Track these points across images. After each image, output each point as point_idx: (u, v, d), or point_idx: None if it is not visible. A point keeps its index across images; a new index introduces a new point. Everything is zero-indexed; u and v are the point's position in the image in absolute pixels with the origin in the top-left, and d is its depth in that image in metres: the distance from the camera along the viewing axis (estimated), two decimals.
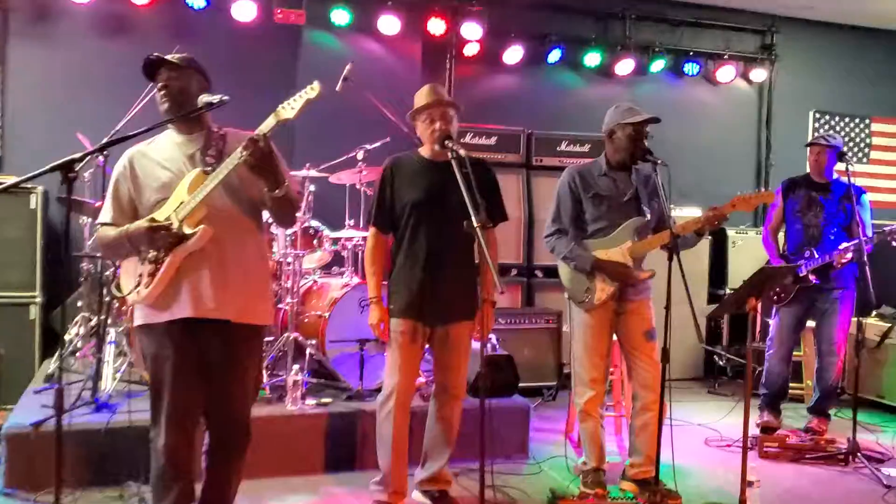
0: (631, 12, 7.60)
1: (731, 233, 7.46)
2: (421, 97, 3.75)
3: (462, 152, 3.50)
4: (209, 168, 2.99)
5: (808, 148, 5.57)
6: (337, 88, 5.08)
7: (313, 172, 5.17)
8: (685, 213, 7.19)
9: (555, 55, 7.32)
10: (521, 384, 4.98)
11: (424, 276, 3.67)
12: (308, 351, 4.72)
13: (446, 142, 3.58)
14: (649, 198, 4.15)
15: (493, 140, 6.73)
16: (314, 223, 5.09)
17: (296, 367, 4.46)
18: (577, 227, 4.19)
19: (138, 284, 3.03)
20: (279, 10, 6.11)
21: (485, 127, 6.72)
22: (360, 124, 5.65)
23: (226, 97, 2.96)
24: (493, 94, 7.39)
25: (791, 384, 5.85)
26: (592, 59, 7.46)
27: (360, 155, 5.50)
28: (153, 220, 2.96)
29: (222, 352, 3.05)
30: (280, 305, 4.84)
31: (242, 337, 3.08)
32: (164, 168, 3.07)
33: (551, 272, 6.66)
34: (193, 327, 2.99)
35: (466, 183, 3.39)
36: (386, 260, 3.83)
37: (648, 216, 4.09)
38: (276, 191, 2.94)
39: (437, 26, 6.66)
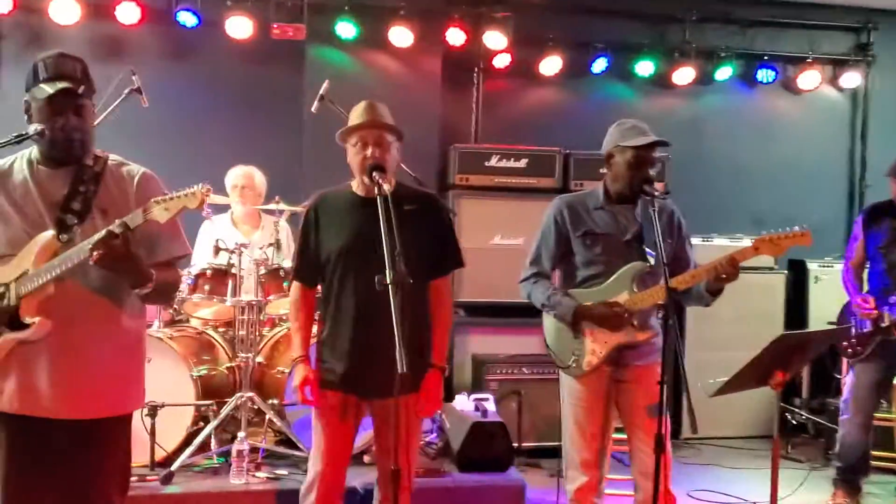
0: (691, 14, 6.63)
1: (812, 266, 6.40)
2: (353, 116, 3.03)
3: (387, 187, 2.78)
4: (65, 235, 2.39)
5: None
6: (312, 109, 4.46)
7: (283, 206, 4.52)
8: None
9: (600, 64, 6.45)
10: (549, 444, 4.12)
11: (355, 337, 2.94)
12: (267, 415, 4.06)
13: (374, 174, 2.85)
14: (663, 237, 3.27)
15: (523, 162, 5.93)
16: (287, 263, 4.43)
17: (241, 434, 3.81)
18: (564, 274, 3.37)
19: None
20: (276, 26, 5.55)
21: (513, 148, 5.92)
22: None
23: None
24: (527, 111, 6.59)
25: (876, 452, 4.80)
26: (645, 67, 6.55)
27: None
28: None
29: (69, 450, 2.45)
30: (235, 362, 4.20)
31: (96, 431, 2.47)
32: (15, 213, 2.46)
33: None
34: (30, 420, 2.42)
35: (388, 226, 2.66)
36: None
37: (652, 261, 3.21)
38: (138, 290, 2.39)
39: (456, 36, 5.94)
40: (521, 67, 6.40)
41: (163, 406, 3.79)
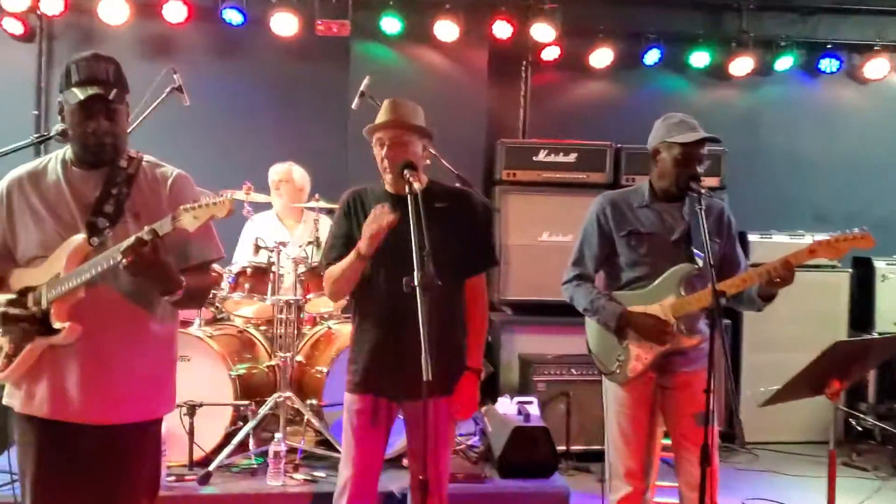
0: (748, 1, 6.35)
1: (879, 264, 6.07)
2: (379, 114, 2.94)
3: (417, 186, 2.68)
4: (96, 239, 2.35)
5: None
6: (353, 106, 4.38)
7: (322, 203, 4.46)
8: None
9: (653, 56, 6.23)
10: (599, 448, 3.94)
11: (384, 338, 2.86)
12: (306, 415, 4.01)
13: (405, 171, 2.76)
14: (711, 237, 3.10)
15: (572, 157, 5.77)
16: None
17: (277, 435, 3.76)
18: (608, 275, 3.23)
19: None
20: (320, 22, 5.49)
21: (562, 142, 5.77)
22: None
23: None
24: (577, 105, 6.42)
25: None
26: (700, 58, 6.30)
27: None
28: (18, 294, 2.41)
29: (97, 454, 2.42)
30: (273, 361, 4.15)
31: (125, 436, 2.44)
32: (48, 215, 2.44)
33: None
34: (60, 425, 2.40)
35: (417, 225, 2.58)
36: None
37: (700, 262, 3.04)
38: (168, 296, 2.33)
39: (503, 29, 5.79)
40: (570, 60, 6.21)
41: (200, 405, 3.76)
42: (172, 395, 2.68)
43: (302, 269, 4.17)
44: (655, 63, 6.28)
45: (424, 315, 2.40)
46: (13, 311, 2.37)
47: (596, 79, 6.38)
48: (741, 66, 6.33)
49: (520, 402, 4.10)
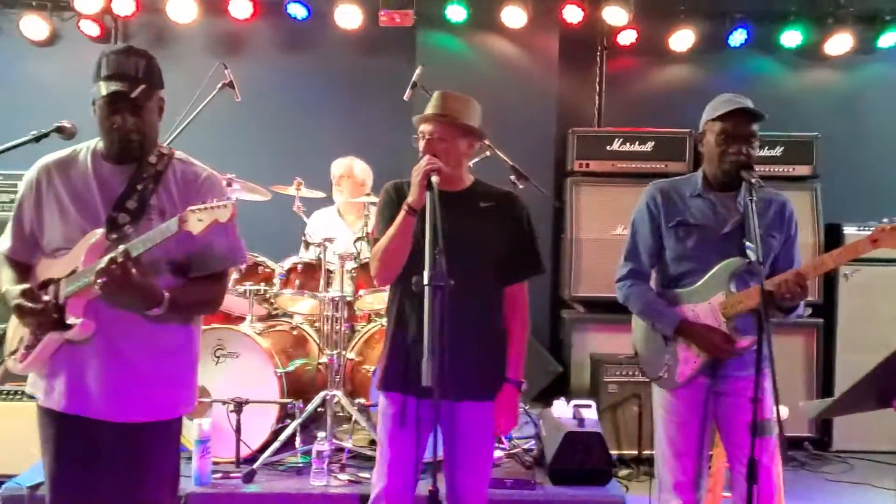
0: None
1: None
2: (427, 107, 2.80)
3: (435, 179, 2.54)
4: (115, 235, 2.32)
5: None
6: (405, 97, 4.27)
7: (374, 198, 4.35)
8: None
9: (739, 36, 5.82)
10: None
11: (414, 336, 2.71)
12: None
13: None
14: (768, 231, 2.82)
15: (648, 146, 5.47)
16: None
17: (321, 434, 3.69)
18: (658, 271, 2.99)
19: (16, 350, 2.48)
20: (383, 12, 5.40)
21: (637, 131, 5.47)
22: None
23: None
24: (656, 91, 6.08)
25: None
26: (792, 37, 5.84)
27: None
28: (41, 285, 2.40)
29: (115, 452, 2.41)
30: (324, 359, 4.08)
31: (142, 434, 2.42)
32: (73, 207, 2.43)
33: None
34: (78, 420, 2.40)
35: (432, 223, 2.43)
36: None
37: (752, 257, 2.75)
38: (149, 312, 2.28)
39: (573, 14, 5.54)
40: (648, 43, 5.89)
41: (246, 402, 3.73)
42: (192, 394, 2.64)
43: (352, 265, 4.08)
44: (742, 44, 5.88)
45: (432, 315, 2.25)
46: (26, 303, 2.35)
47: (676, 63, 6.03)
48: (839, 44, 5.85)
49: (576, 406, 3.88)
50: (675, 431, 2.88)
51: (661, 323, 2.84)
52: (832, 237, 5.55)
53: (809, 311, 5.53)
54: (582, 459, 3.63)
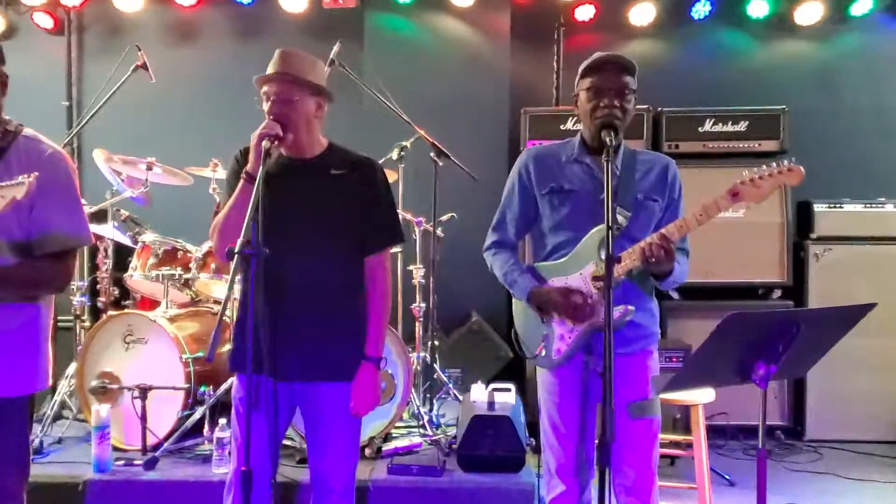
0: None
1: None
2: (269, 66, 2.66)
3: (265, 145, 2.40)
4: None
5: None
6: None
7: None
8: None
9: (702, 8, 5.60)
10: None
11: (262, 313, 2.58)
12: None
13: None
14: (648, 195, 2.64)
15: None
16: None
17: (222, 420, 3.57)
18: (533, 244, 2.81)
19: None
20: None
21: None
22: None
23: None
24: None
25: None
26: (759, 7, 5.59)
27: (395, 154, 4.49)
28: None
29: None
30: None
31: None
32: None
33: (692, 293, 5.14)
34: None
35: (255, 193, 2.30)
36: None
37: (622, 220, 2.57)
38: None
39: None
40: (607, 19, 5.68)
41: (150, 389, 3.64)
42: (39, 373, 2.55)
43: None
44: (706, 16, 5.65)
45: (232, 286, 2.11)
46: None
47: (638, 38, 5.79)
48: (809, 13, 5.59)
49: (494, 389, 3.71)
50: (556, 413, 2.70)
51: (516, 290, 2.68)
52: (803, 215, 5.30)
53: (779, 293, 5.29)
54: (492, 445, 3.46)
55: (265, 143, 2.40)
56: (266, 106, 2.56)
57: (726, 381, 2.17)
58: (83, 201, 2.61)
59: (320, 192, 2.57)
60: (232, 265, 2.13)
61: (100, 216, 4.36)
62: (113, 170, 4.34)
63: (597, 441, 2.21)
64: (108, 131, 5.60)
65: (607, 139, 2.44)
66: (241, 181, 2.49)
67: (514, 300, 2.80)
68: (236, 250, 2.14)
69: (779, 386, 5.17)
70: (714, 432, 4.99)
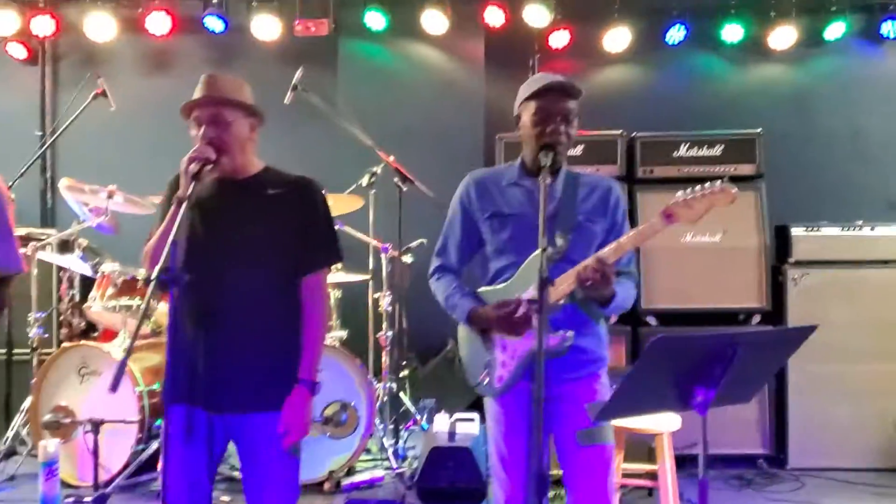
0: None
1: None
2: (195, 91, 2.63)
3: (192, 168, 2.35)
4: None
5: None
6: (286, 100, 4.12)
7: None
8: (891, 232, 5.05)
9: (677, 34, 5.57)
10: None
11: (196, 341, 2.51)
12: None
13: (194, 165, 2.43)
14: (588, 217, 2.58)
15: (579, 150, 5.20)
16: None
17: None
18: (480, 268, 2.75)
19: None
20: (298, 22, 5.28)
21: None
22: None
23: None
24: (591, 93, 5.73)
25: None
26: (733, 32, 5.57)
27: (365, 181, 4.46)
28: None
29: None
30: None
31: None
32: None
33: (669, 318, 5.05)
34: None
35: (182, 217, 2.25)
36: None
37: (560, 243, 2.51)
38: None
39: (495, 16, 5.36)
40: (582, 45, 5.67)
41: (102, 423, 3.56)
42: None
43: None
44: (681, 42, 5.62)
45: (145, 310, 2.05)
46: None
47: (613, 64, 5.78)
48: (783, 37, 5.56)
49: (458, 420, 3.63)
50: (503, 443, 2.62)
51: (458, 314, 2.62)
52: (781, 239, 5.23)
53: (758, 318, 5.20)
54: (451, 477, 3.37)
55: (193, 167, 2.36)
56: (198, 131, 2.51)
57: (667, 408, 2.10)
58: (30, 231, 2.58)
59: (256, 211, 2.52)
60: (148, 293, 2.06)
61: (65, 246, 4.32)
62: (79, 200, 4.30)
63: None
64: (84, 160, 5.61)
65: (544, 160, 2.39)
66: (173, 206, 2.44)
67: (460, 326, 2.74)
68: (152, 276, 2.08)
69: (760, 414, 5.06)
70: (691, 461, 4.87)
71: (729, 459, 4.90)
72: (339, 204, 4.59)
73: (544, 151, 2.45)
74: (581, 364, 2.55)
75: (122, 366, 1.83)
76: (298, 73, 4.11)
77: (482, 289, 2.64)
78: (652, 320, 5.09)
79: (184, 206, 2.26)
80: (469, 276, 2.77)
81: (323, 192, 2.68)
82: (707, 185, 2.32)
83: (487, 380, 2.59)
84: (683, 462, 4.88)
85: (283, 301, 2.56)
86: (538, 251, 2.47)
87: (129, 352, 1.90)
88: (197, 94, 2.55)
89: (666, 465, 3.46)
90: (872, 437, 4.94)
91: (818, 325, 2.07)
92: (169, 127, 5.75)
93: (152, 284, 2.07)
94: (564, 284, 2.42)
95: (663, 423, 3.42)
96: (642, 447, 3.95)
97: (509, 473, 2.61)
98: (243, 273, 2.51)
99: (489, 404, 2.67)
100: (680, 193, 2.34)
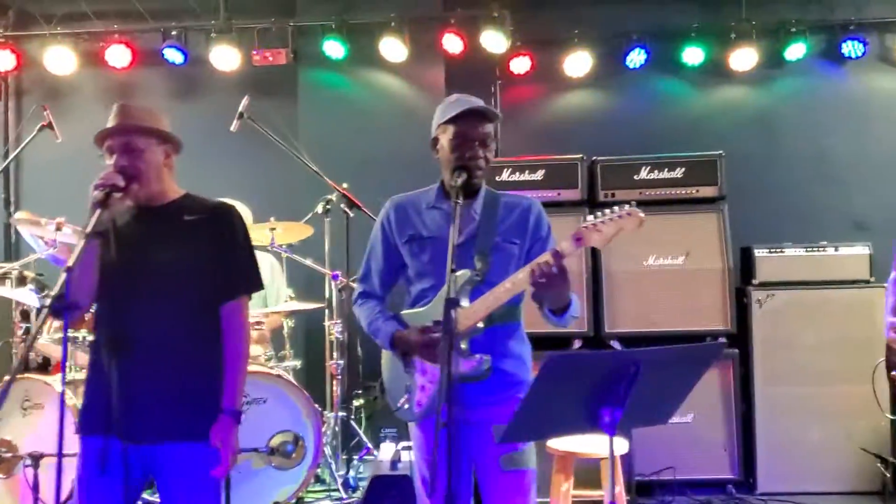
0: None
1: None
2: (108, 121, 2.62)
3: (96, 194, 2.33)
4: None
5: None
6: (232, 128, 4.11)
7: None
8: (855, 252, 5.02)
9: (637, 57, 5.58)
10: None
11: (111, 370, 2.46)
12: None
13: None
14: (506, 238, 2.56)
15: (539, 174, 5.18)
16: None
17: None
18: (405, 292, 2.72)
19: None
20: (256, 52, 5.30)
21: (525, 159, 5.20)
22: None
23: None
24: (553, 119, 5.84)
25: None
26: (694, 55, 5.57)
27: (320, 208, 4.44)
28: None
29: None
30: None
31: None
32: None
33: (633, 341, 5.01)
34: None
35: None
36: None
37: (479, 265, 2.48)
38: None
39: (453, 43, 5.36)
40: (543, 71, 5.67)
41: (42, 456, 3.50)
42: None
43: None
44: (642, 65, 5.62)
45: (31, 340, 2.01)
46: None
47: (574, 89, 5.79)
48: (743, 59, 5.56)
49: (404, 448, 3.57)
50: (425, 468, 2.57)
51: (380, 338, 2.59)
52: (745, 261, 5.19)
53: (724, 340, 5.14)
54: None
55: (97, 194, 2.34)
56: (110, 160, 2.50)
57: (577, 429, 2.05)
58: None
59: (170, 238, 2.50)
60: (37, 320, 2.03)
61: (22, 280, 4.29)
62: (34, 233, 4.28)
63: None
64: (48, 193, 5.58)
65: (458, 180, 2.38)
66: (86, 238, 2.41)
67: (383, 351, 2.70)
68: (46, 304, 2.05)
69: (728, 438, 4.99)
70: (660, 488, 4.83)
71: (697, 485, 4.84)
72: (294, 232, 4.58)
73: (457, 172, 2.43)
74: (502, 387, 2.50)
75: (4, 392, 1.80)
76: (244, 102, 4.12)
77: (404, 311, 2.62)
78: (616, 344, 5.04)
79: (86, 234, 2.23)
80: (391, 302, 2.74)
81: (243, 218, 2.66)
82: (615, 208, 2.29)
83: (408, 405, 2.55)
84: (652, 488, 4.85)
85: (199, 329, 2.52)
86: (459, 273, 2.46)
87: (14, 375, 1.86)
88: (109, 123, 2.55)
89: (612, 492, 3.38)
90: (841, 460, 4.87)
91: (724, 341, 2.03)
92: None
93: (43, 313, 2.04)
94: (483, 306, 2.39)
95: (606, 448, 3.35)
96: (595, 473, 3.88)
97: (431, 497, 2.55)
98: (156, 300, 2.48)
99: (411, 429, 2.63)
100: (590, 217, 2.32)
